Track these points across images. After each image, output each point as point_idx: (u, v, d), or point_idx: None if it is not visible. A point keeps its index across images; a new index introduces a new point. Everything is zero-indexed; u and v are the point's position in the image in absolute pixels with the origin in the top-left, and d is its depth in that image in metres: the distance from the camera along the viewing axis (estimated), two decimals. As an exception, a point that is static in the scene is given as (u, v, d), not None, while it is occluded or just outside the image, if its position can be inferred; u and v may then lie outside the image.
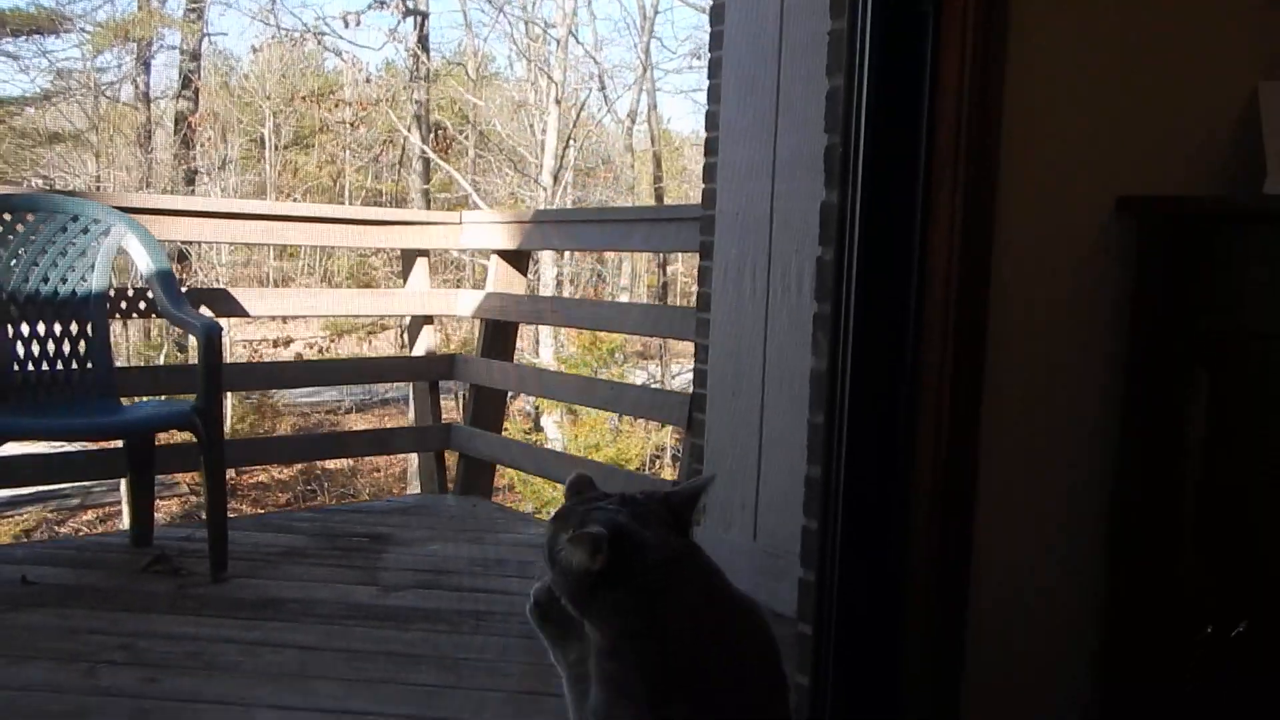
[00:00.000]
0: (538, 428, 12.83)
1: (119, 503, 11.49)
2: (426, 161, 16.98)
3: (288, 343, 14.72)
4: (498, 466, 4.70)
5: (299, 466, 13.29)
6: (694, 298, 3.43)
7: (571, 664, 1.35)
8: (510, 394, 5.31)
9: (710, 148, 3.35)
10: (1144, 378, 1.79)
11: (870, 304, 1.67)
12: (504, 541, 3.88)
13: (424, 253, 4.65)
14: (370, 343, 16.13)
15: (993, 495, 1.72)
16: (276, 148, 18.00)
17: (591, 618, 1.22)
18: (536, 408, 13.02)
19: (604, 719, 1.19)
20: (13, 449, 3.21)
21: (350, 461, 13.70)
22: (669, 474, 10.70)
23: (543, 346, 13.27)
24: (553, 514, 1.34)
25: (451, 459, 4.72)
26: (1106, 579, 1.85)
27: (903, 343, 1.69)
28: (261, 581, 3.29)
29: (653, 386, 10.52)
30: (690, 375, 3.66)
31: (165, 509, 10.98)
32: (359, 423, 14.72)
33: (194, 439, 3.24)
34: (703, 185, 3.39)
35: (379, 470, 14.31)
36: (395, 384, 14.96)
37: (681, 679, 1.17)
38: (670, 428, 10.97)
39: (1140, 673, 1.79)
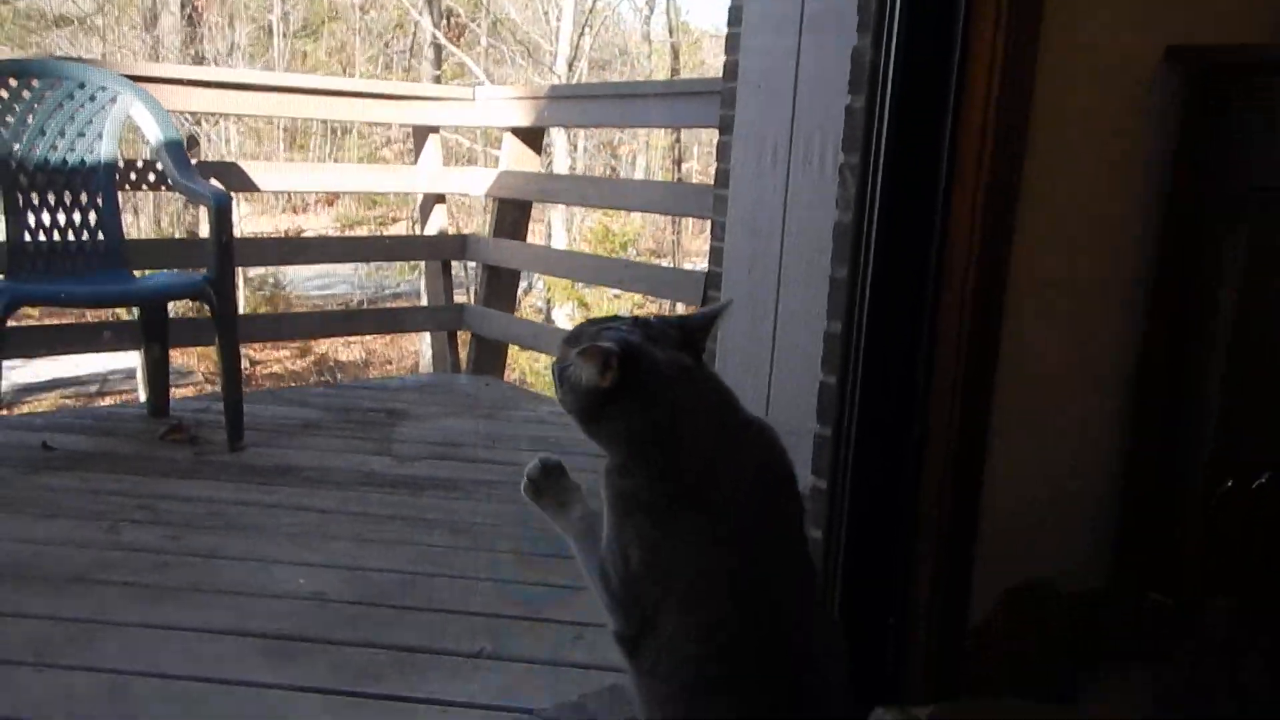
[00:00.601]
0: (549, 321, 12.85)
1: (136, 390, 11.63)
2: (438, 49, 16.59)
3: (298, 234, 14.66)
4: (509, 358, 4.69)
5: (312, 358, 13.39)
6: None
7: (575, 521, 1.34)
8: (521, 288, 5.28)
9: (733, 18, 3.23)
10: (1181, 233, 1.75)
11: (901, 153, 1.62)
12: (516, 418, 3.91)
13: (435, 130, 4.56)
14: (382, 235, 16.04)
15: (1017, 350, 1.70)
16: (285, 35, 17.61)
17: (601, 436, 1.21)
18: (548, 301, 13.01)
19: (613, 541, 1.18)
20: (27, 319, 3.21)
21: (363, 353, 13.80)
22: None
23: (555, 240, 13.18)
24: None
25: (464, 341, 4.72)
26: (1130, 436, 1.85)
27: (933, 197, 1.65)
28: (278, 450, 3.33)
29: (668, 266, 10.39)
30: (703, 272, 3.61)
31: (179, 395, 11.09)
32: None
33: (208, 313, 3.23)
34: (724, 57, 3.28)
35: (391, 363, 14.42)
36: (406, 279, 14.94)
37: (693, 490, 1.16)
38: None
39: (1158, 528, 1.79)
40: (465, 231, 4.79)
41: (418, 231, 4.66)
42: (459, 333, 4.65)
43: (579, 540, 1.31)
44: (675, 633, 1.10)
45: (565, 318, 11.95)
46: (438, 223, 4.57)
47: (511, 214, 4.51)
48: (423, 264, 4.98)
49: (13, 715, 1.77)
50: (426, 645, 2.09)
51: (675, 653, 1.10)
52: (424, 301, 4.77)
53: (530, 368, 10.34)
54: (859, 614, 1.68)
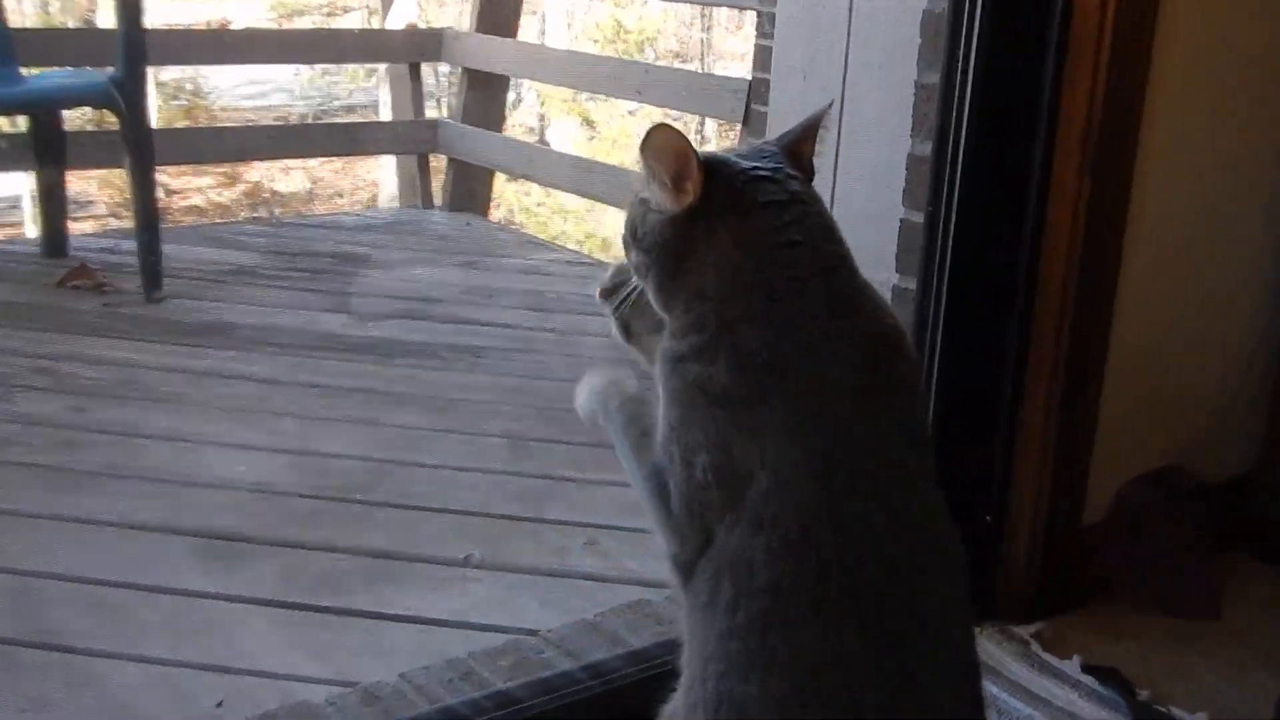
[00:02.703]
0: (542, 144, 12.65)
1: (21, 222, 11.59)
2: None
3: (224, 27, 14.31)
4: (494, 190, 4.63)
5: (242, 188, 13.25)
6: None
7: (628, 403, 1.29)
8: (509, 100, 5.13)
9: None
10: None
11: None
12: (505, 268, 3.89)
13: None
14: (333, 29, 15.66)
15: (1145, 202, 1.68)
16: None
17: (676, 298, 1.15)
18: (542, 118, 12.78)
19: (672, 443, 1.13)
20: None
21: (306, 182, 13.65)
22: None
23: (549, 37, 12.84)
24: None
25: (438, 169, 4.65)
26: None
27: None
28: (207, 304, 3.32)
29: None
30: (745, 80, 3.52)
31: (79, 231, 11.02)
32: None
33: (115, 122, 3.16)
34: None
35: (342, 196, 14.30)
36: (361, 86, 14.64)
37: (788, 380, 1.11)
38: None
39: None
40: (439, 25, 4.63)
41: (378, 24, 4.54)
42: (431, 157, 4.57)
43: (624, 429, 1.27)
44: (746, 556, 1.08)
45: (566, 140, 11.74)
46: (404, 14, 4.44)
47: (498, 3, 4.37)
48: (384, 68, 4.86)
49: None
50: (400, 550, 2.10)
51: (742, 580, 1.08)
52: (387, 116, 4.66)
53: (520, 203, 10.24)
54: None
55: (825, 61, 3.12)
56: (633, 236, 1.19)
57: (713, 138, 11.79)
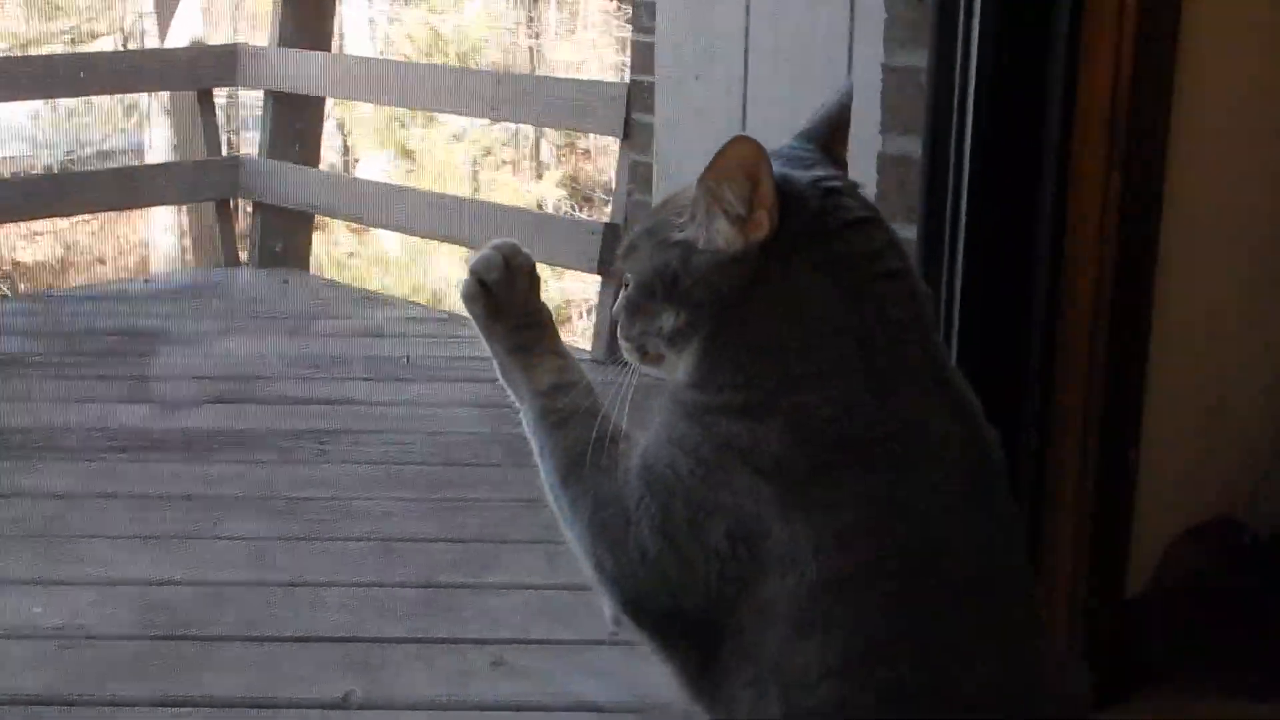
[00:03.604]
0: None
1: None
2: None
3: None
4: (315, 223, 4.54)
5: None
6: None
7: (545, 391, 1.18)
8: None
9: None
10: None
11: None
12: (339, 331, 3.83)
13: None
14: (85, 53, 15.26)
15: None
16: None
17: (725, 362, 1.05)
18: (347, 151, 12.62)
19: (669, 492, 1.04)
20: None
21: (58, 248, 13.20)
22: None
23: (351, 39, 12.69)
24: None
25: (241, 216, 4.54)
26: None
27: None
28: (-39, 407, 3.15)
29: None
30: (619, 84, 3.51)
31: None
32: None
33: None
34: None
35: (104, 262, 13.87)
36: (120, 127, 14.27)
37: (867, 451, 1.02)
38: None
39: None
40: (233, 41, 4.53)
41: (148, 44, 4.42)
42: (233, 203, 4.46)
43: (549, 430, 1.18)
44: (797, 663, 1.02)
45: (380, 177, 11.59)
46: (187, 29, 4.33)
47: (306, 10, 4.30)
48: (151, 104, 4.74)
49: None
50: (259, 695, 1.99)
51: (796, 696, 1.01)
52: (169, 157, 4.53)
53: (330, 255, 10.03)
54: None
55: (723, 50, 3.14)
56: (667, 291, 1.09)
57: (551, 162, 11.83)
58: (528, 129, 10.32)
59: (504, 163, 11.66)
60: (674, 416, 1.09)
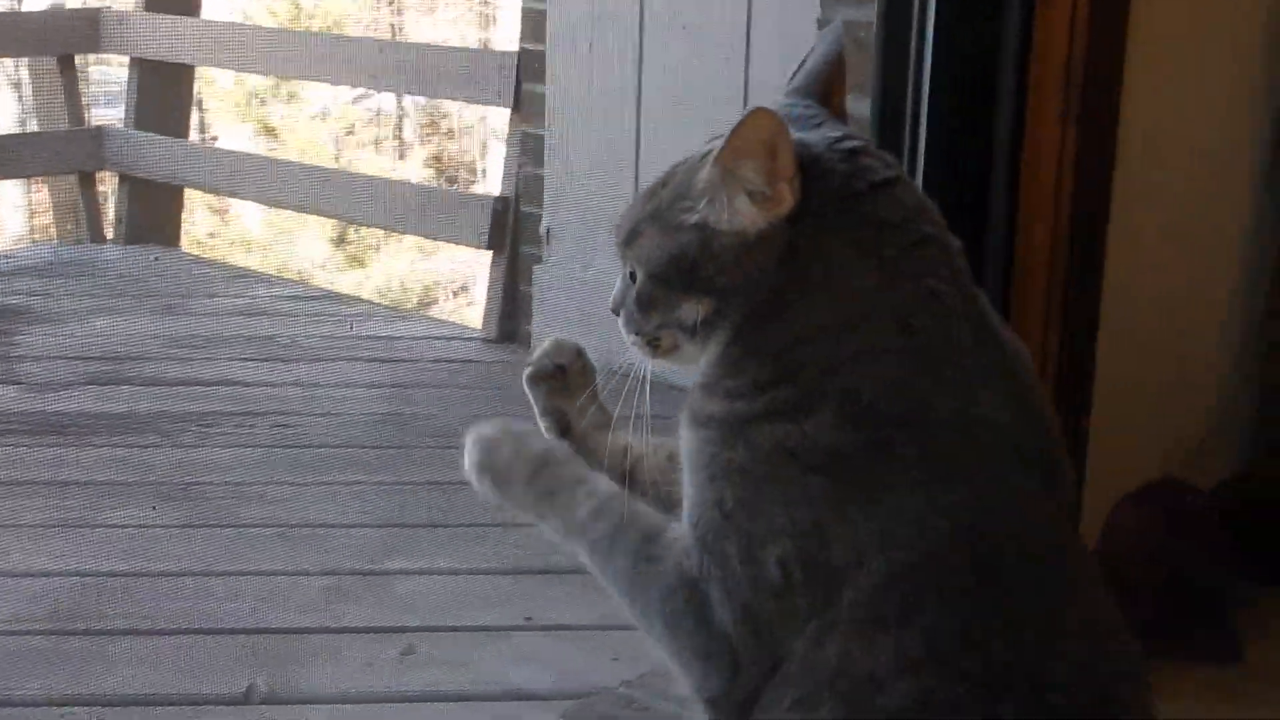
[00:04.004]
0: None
1: None
2: None
3: None
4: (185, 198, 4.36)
5: None
6: None
7: (591, 513, 1.11)
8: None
9: None
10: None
11: None
12: (217, 310, 3.68)
13: None
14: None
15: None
16: None
17: (754, 354, 0.98)
18: (204, 128, 12.25)
19: (734, 539, 0.93)
20: None
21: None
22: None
23: (209, 12, 12.34)
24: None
25: (106, 191, 4.36)
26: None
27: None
28: None
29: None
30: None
31: None
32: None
33: None
34: None
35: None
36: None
37: (920, 423, 0.93)
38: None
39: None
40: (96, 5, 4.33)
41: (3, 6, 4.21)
42: (98, 176, 4.27)
43: (605, 550, 1.07)
44: (863, 668, 0.94)
45: (247, 142, 11.27)
46: (47, -7, 4.13)
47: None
48: (1, 69, 4.51)
49: None
50: (154, 692, 1.88)
51: (864, 701, 0.93)
52: (16, 129, 4.33)
53: (190, 234, 9.73)
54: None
55: (620, 20, 3.07)
56: (687, 280, 1.02)
57: (414, 142, 11.63)
58: (390, 108, 10.13)
59: (367, 142, 11.42)
60: (709, 447, 1.00)
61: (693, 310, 1.01)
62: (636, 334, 1.05)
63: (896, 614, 0.92)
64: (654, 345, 1.05)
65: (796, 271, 0.99)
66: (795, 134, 0.99)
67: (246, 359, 3.23)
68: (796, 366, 0.98)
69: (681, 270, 1.01)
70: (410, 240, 8.65)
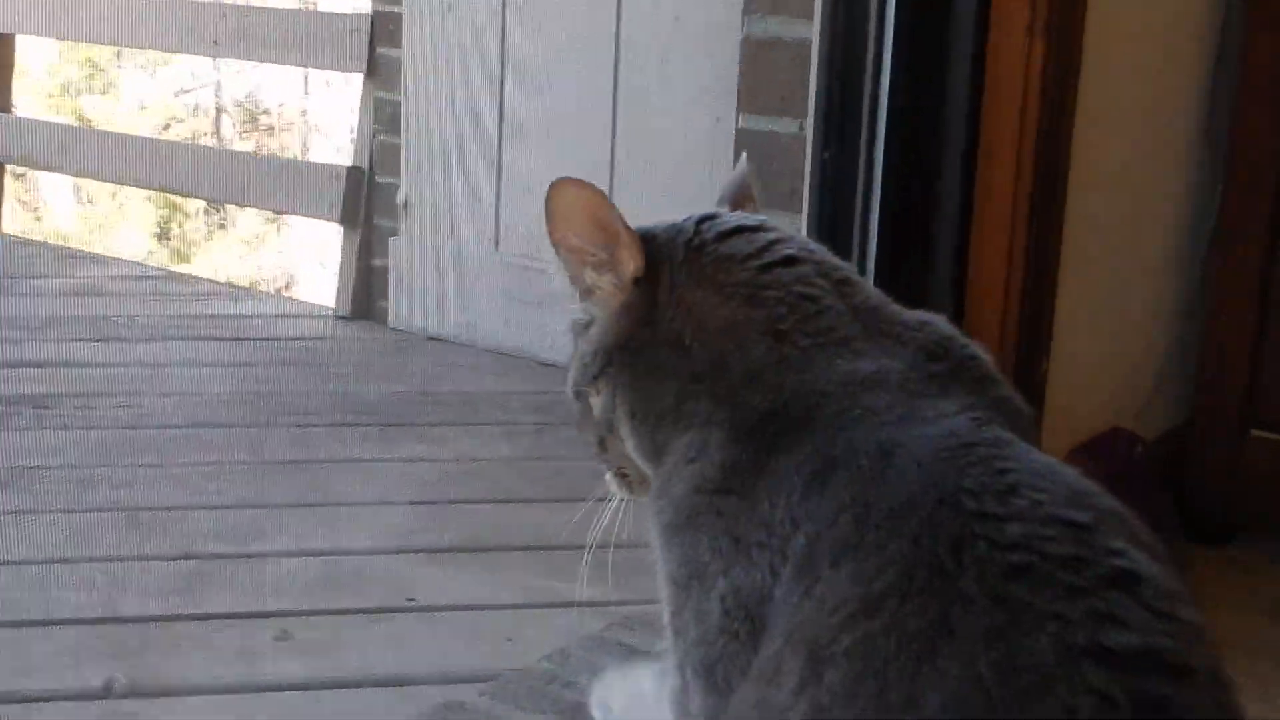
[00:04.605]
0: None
1: None
2: None
3: None
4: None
5: None
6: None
7: None
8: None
9: None
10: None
11: None
12: (47, 290, 3.49)
13: None
14: None
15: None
16: None
17: (665, 422, 1.00)
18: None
19: (687, 605, 0.95)
20: None
21: None
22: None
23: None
24: None
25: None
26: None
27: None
28: None
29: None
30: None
31: None
32: None
33: None
34: None
35: None
36: None
37: (800, 405, 0.93)
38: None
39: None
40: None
41: None
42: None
43: None
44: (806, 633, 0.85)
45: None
46: None
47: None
48: None
49: None
50: (6, 690, 1.71)
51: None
52: None
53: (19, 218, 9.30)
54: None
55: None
56: (586, 383, 1.06)
57: (233, 137, 11.31)
58: (208, 103, 9.83)
59: (185, 135, 11.09)
60: (662, 528, 0.98)
61: (601, 402, 1.05)
62: (610, 474, 1.11)
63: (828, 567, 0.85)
64: (622, 476, 1.10)
65: (661, 329, 1.01)
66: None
67: (83, 339, 3.05)
68: (691, 416, 0.98)
69: (580, 372, 1.06)
70: (239, 233, 8.35)
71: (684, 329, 1.00)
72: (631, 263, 1.01)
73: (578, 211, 1.01)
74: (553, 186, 0.99)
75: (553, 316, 3.00)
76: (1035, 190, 1.49)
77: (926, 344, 0.98)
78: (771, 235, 1.03)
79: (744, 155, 1.20)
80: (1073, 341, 1.72)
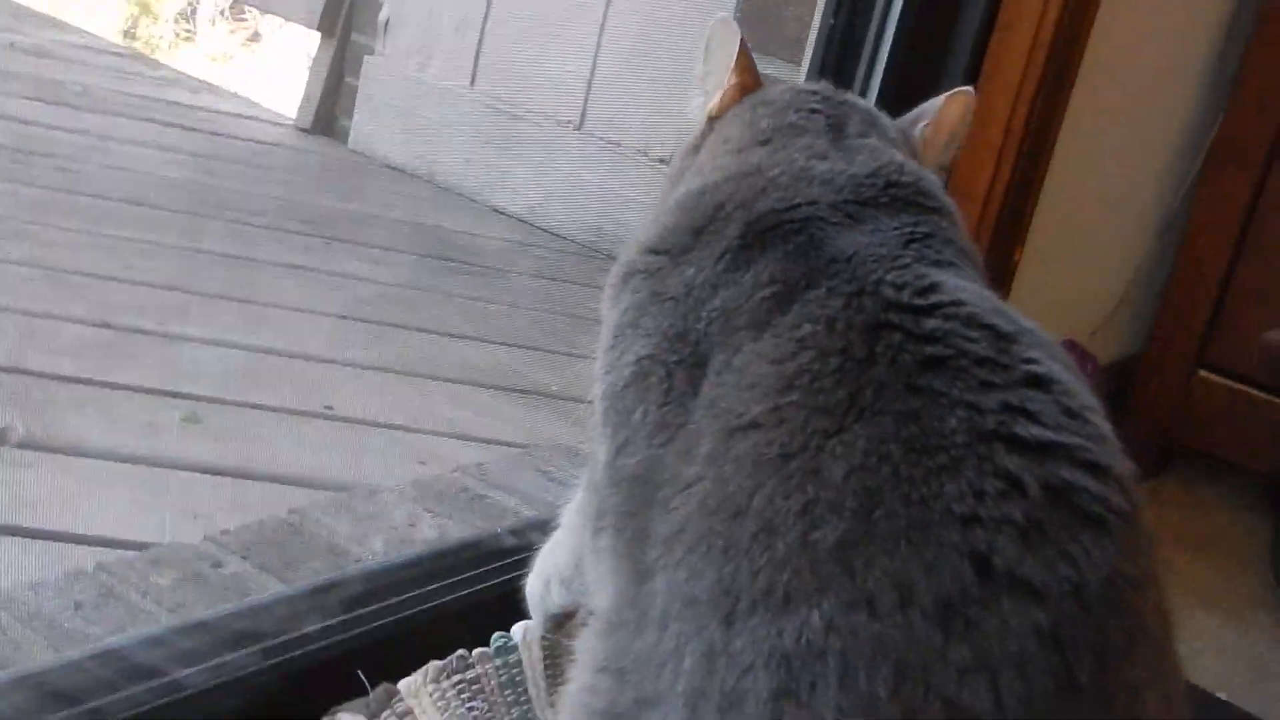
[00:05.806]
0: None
1: None
2: None
3: None
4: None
5: None
6: None
7: None
8: None
9: None
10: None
11: None
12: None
13: None
14: None
15: None
16: None
17: None
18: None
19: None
20: None
21: None
22: None
23: None
24: None
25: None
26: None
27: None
28: None
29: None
30: None
31: None
32: None
33: None
34: None
35: None
36: None
37: (740, 191, 0.98)
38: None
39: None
40: None
41: None
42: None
43: None
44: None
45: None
46: None
47: None
48: None
49: None
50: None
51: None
52: None
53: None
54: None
55: None
56: None
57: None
58: None
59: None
60: (608, 315, 1.00)
61: None
62: None
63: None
64: None
65: (695, 157, 1.09)
66: None
67: (32, 99, 2.90)
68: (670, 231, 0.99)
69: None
70: (206, 49, 8.12)
71: (703, 144, 1.10)
72: (721, 101, 1.10)
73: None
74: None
75: (515, 163, 2.93)
76: (1045, 72, 1.45)
77: (896, 179, 0.96)
78: (824, 93, 1.08)
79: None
80: (1045, 240, 1.70)
